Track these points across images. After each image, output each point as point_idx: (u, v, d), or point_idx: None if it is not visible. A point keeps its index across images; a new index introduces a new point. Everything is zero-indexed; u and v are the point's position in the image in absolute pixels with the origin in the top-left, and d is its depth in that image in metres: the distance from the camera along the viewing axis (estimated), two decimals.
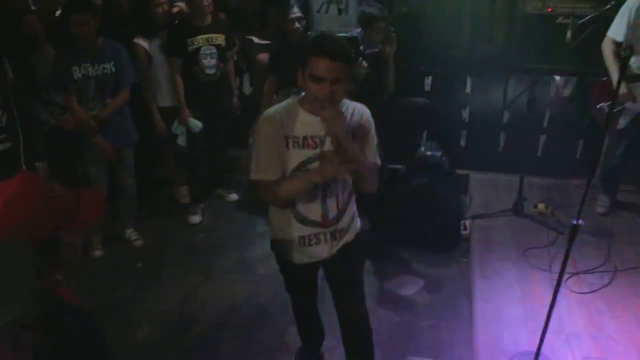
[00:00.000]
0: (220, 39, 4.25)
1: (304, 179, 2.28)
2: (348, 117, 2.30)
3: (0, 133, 3.31)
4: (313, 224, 2.41)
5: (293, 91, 4.25)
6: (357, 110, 2.37)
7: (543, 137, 4.76)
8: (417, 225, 4.09)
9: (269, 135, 2.26)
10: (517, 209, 4.22)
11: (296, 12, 4.20)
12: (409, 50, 4.58)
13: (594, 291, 3.36)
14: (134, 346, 3.26)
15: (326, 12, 4.47)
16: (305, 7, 4.37)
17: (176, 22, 4.36)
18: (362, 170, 2.31)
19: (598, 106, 3.98)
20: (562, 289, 3.05)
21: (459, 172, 4.73)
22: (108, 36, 3.81)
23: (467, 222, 4.22)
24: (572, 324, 3.09)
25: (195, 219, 4.56)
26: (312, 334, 3.00)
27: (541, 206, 4.26)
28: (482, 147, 4.88)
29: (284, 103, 2.33)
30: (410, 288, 3.72)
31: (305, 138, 2.27)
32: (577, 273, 3.50)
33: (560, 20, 4.43)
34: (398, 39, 4.06)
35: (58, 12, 4.14)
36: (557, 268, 2.80)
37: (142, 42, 4.19)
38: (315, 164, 2.28)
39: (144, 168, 4.45)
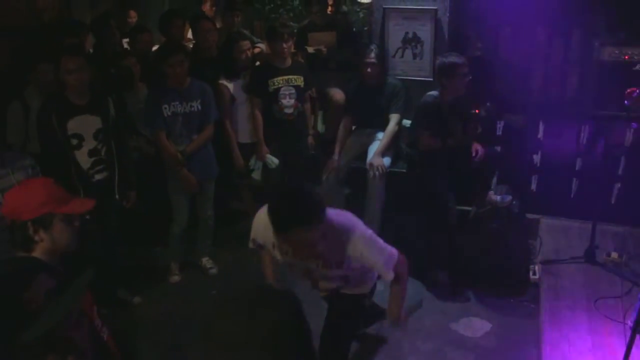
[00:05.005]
0: (299, 80, 4.45)
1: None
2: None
3: (100, 164, 3.62)
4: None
5: (366, 132, 4.45)
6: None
7: (617, 185, 4.65)
8: (485, 268, 4.11)
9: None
10: (589, 257, 4.12)
11: (372, 57, 4.35)
12: (480, 94, 4.64)
13: None
14: None
15: (401, 57, 4.58)
16: (382, 52, 4.50)
17: (258, 63, 4.61)
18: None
19: None
20: (636, 342, 2.98)
21: (530, 216, 4.69)
22: (195, 76, 4.08)
23: (537, 267, 4.17)
24: None
25: None
26: None
27: (614, 255, 4.15)
28: (554, 192, 4.79)
29: None
30: (477, 331, 3.71)
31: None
32: None
33: (638, 67, 4.39)
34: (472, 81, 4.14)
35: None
36: (631, 320, 2.76)
37: (226, 83, 4.43)
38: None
39: (222, 200, 4.67)
